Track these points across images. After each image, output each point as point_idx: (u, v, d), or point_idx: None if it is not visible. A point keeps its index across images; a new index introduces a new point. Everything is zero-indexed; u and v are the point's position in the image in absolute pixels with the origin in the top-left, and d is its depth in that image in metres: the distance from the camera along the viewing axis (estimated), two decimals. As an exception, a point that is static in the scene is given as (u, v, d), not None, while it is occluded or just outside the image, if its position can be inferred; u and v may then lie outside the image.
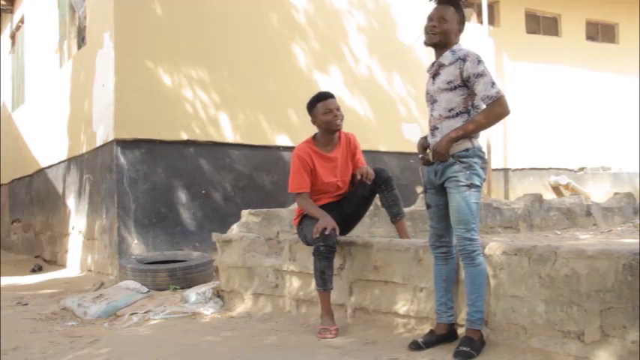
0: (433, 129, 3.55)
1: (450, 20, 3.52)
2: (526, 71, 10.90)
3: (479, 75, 3.38)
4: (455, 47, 3.52)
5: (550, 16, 11.74)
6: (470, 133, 3.43)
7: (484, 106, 3.43)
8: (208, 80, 7.86)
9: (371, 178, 4.44)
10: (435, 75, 3.56)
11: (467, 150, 3.43)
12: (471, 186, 3.41)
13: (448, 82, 3.46)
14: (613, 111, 11.72)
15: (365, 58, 9.01)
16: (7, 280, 7.87)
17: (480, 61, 3.41)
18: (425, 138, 3.69)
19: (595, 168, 11.71)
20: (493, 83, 3.38)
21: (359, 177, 4.45)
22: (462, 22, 3.59)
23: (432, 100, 3.57)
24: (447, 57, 3.50)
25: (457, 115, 3.46)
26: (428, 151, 3.59)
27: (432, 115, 3.57)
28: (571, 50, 11.53)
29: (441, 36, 3.51)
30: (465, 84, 3.43)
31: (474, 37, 9.93)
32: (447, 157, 3.43)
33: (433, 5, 3.60)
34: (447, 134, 3.44)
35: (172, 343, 4.17)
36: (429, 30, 3.54)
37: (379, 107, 9.00)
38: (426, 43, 3.58)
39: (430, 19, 3.56)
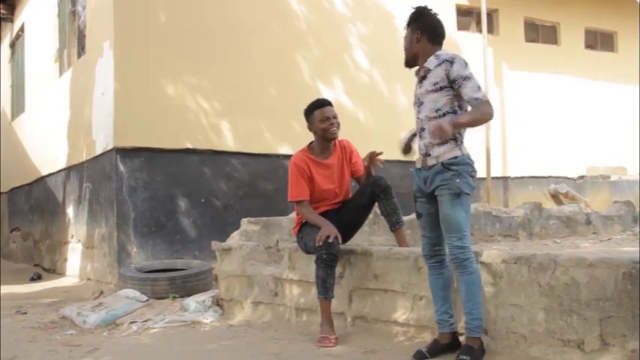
0: (420, 130, 3.59)
1: (406, 38, 3.74)
2: (525, 79, 10.92)
3: (466, 78, 3.41)
4: (438, 52, 3.56)
5: (549, 25, 11.78)
6: (465, 125, 3.44)
7: (469, 108, 3.48)
8: (209, 88, 7.87)
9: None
10: (422, 79, 3.60)
11: (455, 157, 3.45)
12: (460, 194, 3.41)
13: (434, 84, 3.49)
14: (612, 119, 11.74)
15: (367, 67, 9.03)
16: (6, 289, 7.85)
17: (466, 64, 3.45)
18: (412, 136, 3.80)
19: (594, 176, 11.72)
20: (479, 87, 3.42)
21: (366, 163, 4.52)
22: (423, 32, 3.63)
23: (418, 103, 3.61)
24: (431, 62, 3.55)
25: (444, 114, 3.47)
26: (414, 147, 3.72)
27: (418, 118, 3.61)
28: (570, 59, 11.55)
29: (407, 55, 3.74)
30: (451, 85, 3.45)
31: (473, 45, 9.97)
32: (449, 135, 3.37)
33: None
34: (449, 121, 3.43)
35: (172, 351, 4.17)
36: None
37: (380, 115, 9.00)
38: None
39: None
